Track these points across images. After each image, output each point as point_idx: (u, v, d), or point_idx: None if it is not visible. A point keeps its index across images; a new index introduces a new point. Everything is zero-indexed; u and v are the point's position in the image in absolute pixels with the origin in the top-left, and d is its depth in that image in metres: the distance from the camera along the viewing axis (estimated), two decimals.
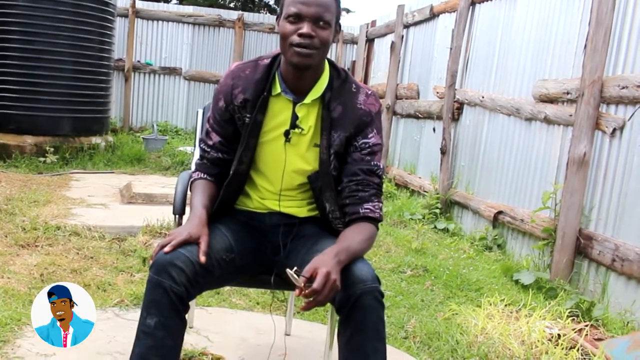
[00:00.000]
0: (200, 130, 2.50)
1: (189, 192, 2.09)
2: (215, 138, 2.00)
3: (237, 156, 1.96)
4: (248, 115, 1.91)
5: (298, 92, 1.91)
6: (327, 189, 1.94)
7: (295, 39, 1.77)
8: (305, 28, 1.77)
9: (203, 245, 1.73)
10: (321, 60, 1.87)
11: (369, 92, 1.95)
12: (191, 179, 2.05)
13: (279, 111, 1.93)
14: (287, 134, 1.92)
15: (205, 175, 2.01)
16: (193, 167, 2.14)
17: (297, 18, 1.78)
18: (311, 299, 1.62)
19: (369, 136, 1.91)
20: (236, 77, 1.94)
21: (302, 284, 1.62)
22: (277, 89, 1.91)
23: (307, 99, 1.90)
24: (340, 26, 1.89)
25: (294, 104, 1.91)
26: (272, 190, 2.01)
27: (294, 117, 1.91)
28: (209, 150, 2.01)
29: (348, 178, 1.91)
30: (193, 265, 1.70)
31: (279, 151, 1.94)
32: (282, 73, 1.91)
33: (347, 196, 1.91)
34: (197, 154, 2.17)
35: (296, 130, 1.91)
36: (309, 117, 1.92)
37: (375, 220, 1.91)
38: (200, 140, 2.07)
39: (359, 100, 1.92)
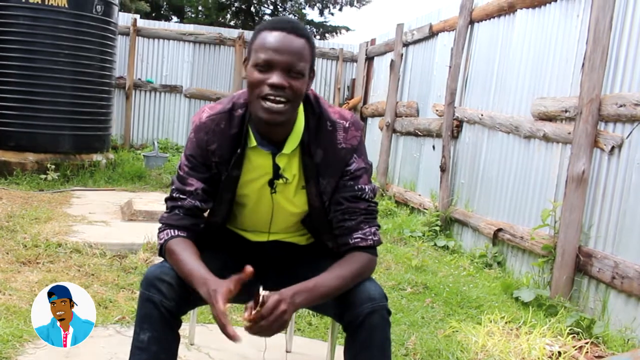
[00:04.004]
0: None
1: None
2: (197, 184, 1.80)
3: (210, 209, 1.87)
4: (225, 173, 1.81)
5: (275, 142, 1.78)
6: (325, 232, 1.90)
7: (264, 89, 1.63)
8: (275, 78, 1.62)
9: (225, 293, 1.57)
10: (294, 113, 1.73)
11: (347, 125, 1.80)
12: (162, 242, 1.79)
13: (258, 163, 1.82)
14: (271, 183, 1.83)
15: (177, 232, 1.78)
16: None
17: (266, 66, 1.63)
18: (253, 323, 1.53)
19: (351, 163, 1.80)
20: (210, 131, 1.78)
21: (256, 305, 1.53)
22: (253, 141, 1.78)
23: (286, 149, 1.78)
24: (314, 72, 1.76)
25: (273, 155, 1.80)
26: (261, 232, 2.00)
27: (276, 167, 1.81)
28: (185, 197, 1.80)
29: (334, 208, 1.82)
30: (183, 280, 1.70)
31: (266, 200, 1.87)
32: (255, 124, 1.77)
33: (335, 227, 1.82)
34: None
35: (281, 180, 1.83)
36: (292, 166, 1.82)
37: (369, 248, 1.79)
38: (174, 189, 1.83)
39: (339, 139, 1.79)
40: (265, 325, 1.53)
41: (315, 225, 1.93)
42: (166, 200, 1.85)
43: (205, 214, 1.89)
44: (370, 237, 1.79)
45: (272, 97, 1.63)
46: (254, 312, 1.53)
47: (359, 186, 1.81)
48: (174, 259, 1.72)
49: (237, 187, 1.85)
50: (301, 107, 1.79)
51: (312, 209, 1.87)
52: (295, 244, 2.03)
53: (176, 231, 1.78)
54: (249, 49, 1.70)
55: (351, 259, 1.76)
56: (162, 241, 1.79)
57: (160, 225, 1.83)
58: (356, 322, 1.69)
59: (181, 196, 1.80)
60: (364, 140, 1.87)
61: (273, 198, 1.87)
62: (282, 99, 1.64)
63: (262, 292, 1.55)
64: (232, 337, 1.52)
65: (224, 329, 1.53)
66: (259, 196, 1.87)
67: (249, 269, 1.56)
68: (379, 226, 1.84)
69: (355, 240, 1.79)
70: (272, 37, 1.64)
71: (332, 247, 1.89)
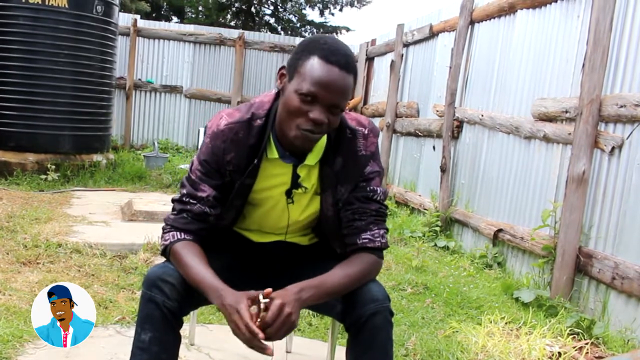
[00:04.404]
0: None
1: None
2: (209, 190, 1.76)
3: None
4: (239, 181, 1.78)
5: (297, 154, 1.77)
6: (334, 238, 1.89)
7: (304, 122, 1.61)
8: (316, 113, 1.60)
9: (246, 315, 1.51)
10: None
11: (366, 131, 1.80)
12: (167, 243, 1.75)
13: (277, 173, 1.80)
14: (289, 193, 1.82)
15: (183, 235, 1.75)
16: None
17: (311, 99, 1.60)
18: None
19: (366, 166, 1.81)
20: (227, 139, 1.74)
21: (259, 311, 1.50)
22: (274, 153, 1.75)
23: (308, 161, 1.77)
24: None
25: (294, 166, 1.78)
26: (271, 234, 1.98)
27: (296, 176, 1.80)
28: (195, 202, 1.76)
29: (345, 207, 1.81)
30: (185, 280, 1.69)
31: (281, 208, 1.86)
32: (279, 137, 1.74)
33: (345, 226, 1.81)
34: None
35: (299, 190, 1.82)
36: (311, 176, 1.81)
37: (376, 250, 1.79)
38: (184, 193, 1.79)
39: (359, 147, 1.79)
40: (272, 331, 1.51)
41: (326, 232, 1.92)
42: (174, 201, 1.82)
43: (213, 219, 1.87)
44: (378, 239, 1.79)
45: (309, 132, 1.62)
46: (258, 321, 1.50)
47: (372, 187, 1.81)
48: (180, 262, 1.69)
49: (250, 194, 1.83)
50: None
51: (325, 217, 1.86)
52: (297, 244, 2.03)
53: (182, 234, 1.75)
54: (294, 65, 1.65)
55: (358, 259, 1.76)
56: (167, 242, 1.76)
57: (165, 225, 1.81)
58: (359, 323, 1.69)
59: (191, 201, 1.77)
60: (379, 144, 1.87)
61: (289, 207, 1.86)
62: (319, 132, 1.64)
63: (262, 300, 1.51)
64: (269, 353, 1.50)
65: (261, 350, 1.50)
66: (272, 204, 1.86)
67: (268, 290, 1.54)
68: (387, 229, 1.84)
69: (364, 240, 1.78)
70: (324, 72, 1.60)
71: (340, 252, 1.87)
